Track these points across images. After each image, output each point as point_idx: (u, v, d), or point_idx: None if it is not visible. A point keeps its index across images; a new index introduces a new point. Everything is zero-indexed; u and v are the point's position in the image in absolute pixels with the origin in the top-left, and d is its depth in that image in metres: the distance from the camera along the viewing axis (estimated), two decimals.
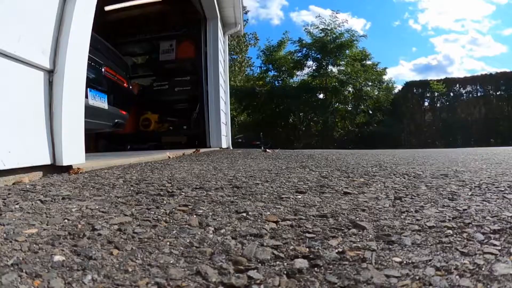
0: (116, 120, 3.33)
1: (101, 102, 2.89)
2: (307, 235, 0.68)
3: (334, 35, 15.90)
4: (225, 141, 5.50)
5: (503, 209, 0.86)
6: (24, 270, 0.49)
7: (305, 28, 16.81)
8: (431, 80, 16.67)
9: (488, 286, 0.45)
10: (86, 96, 2.59)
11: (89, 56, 2.62)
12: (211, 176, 1.55)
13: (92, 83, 2.71)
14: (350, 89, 16.34)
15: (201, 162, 2.29)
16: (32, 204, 0.89)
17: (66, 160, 1.50)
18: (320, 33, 16.06)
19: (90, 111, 2.70)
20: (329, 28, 15.91)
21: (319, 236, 0.68)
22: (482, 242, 0.62)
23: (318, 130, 16.91)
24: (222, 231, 0.71)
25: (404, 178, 1.48)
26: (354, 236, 0.67)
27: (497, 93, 15.83)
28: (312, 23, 17.88)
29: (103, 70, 2.94)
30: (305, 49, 16.51)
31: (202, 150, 3.84)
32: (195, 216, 0.82)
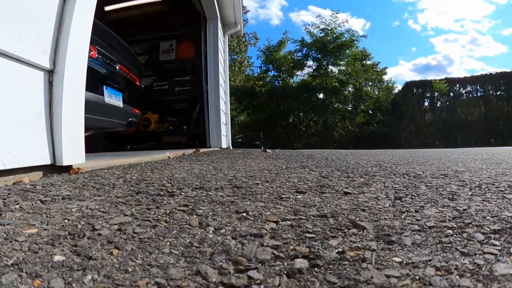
0: (130, 119, 3.24)
1: (116, 100, 2.82)
2: (307, 235, 0.68)
3: (334, 35, 15.93)
4: (225, 141, 5.50)
5: (503, 209, 0.86)
6: (24, 270, 0.49)
7: (306, 28, 16.88)
8: (433, 79, 16.70)
9: (488, 286, 0.45)
10: (102, 94, 2.53)
11: (103, 53, 2.56)
12: (211, 176, 1.55)
13: (107, 81, 2.64)
14: (350, 89, 16.36)
15: (201, 162, 2.29)
16: (32, 204, 0.89)
17: (66, 160, 1.50)
18: (321, 33, 16.10)
19: (106, 109, 2.60)
20: (329, 28, 15.95)
21: (319, 236, 0.68)
22: (482, 242, 0.62)
23: (318, 130, 16.92)
24: (222, 231, 0.71)
25: (404, 178, 1.48)
26: (354, 236, 0.67)
27: (497, 93, 15.85)
28: (312, 23, 17.94)
29: (117, 67, 2.86)
30: (305, 49, 16.56)
31: (202, 150, 3.84)
32: (195, 216, 0.82)
